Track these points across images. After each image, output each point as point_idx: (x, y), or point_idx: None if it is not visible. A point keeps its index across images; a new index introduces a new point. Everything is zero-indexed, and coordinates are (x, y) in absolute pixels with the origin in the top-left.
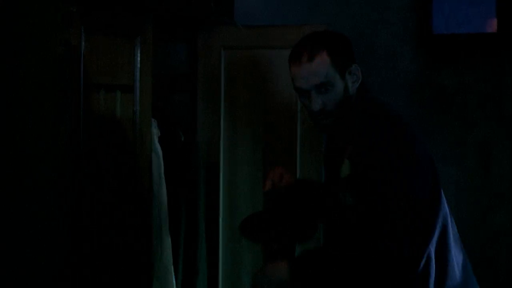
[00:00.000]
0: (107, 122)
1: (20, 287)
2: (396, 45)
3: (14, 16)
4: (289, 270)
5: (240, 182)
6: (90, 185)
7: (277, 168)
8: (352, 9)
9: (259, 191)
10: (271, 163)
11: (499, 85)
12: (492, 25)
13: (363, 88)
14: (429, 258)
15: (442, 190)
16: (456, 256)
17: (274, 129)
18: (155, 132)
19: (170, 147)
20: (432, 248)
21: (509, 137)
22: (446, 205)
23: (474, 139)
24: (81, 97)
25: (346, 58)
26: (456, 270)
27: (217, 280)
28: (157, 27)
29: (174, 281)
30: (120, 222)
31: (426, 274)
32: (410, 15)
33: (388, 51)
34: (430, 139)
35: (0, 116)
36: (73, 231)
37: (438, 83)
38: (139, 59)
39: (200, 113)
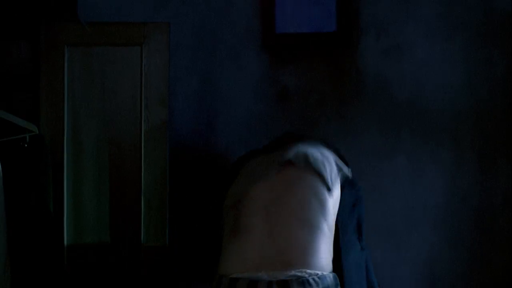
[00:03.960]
0: None
1: None
2: (240, 44)
3: None
4: None
5: (86, 180)
6: None
7: None
8: (197, 9)
9: (105, 189)
10: (117, 161)
11: (337, 83)
12: (332, 25)
13: None
14: None
15: None
16: None
17: (119, 127)
18: None
19: (15, 149)
20: None
21: (346, 136)
22: None
23: (315, 139)
24: None
25: None
26: None
27: None
28: None
29: None
30: None
31: None
32: (253, 15)
33: (233, 49)
34: (274, 137)
35: None
36: None
37: (281, 81)
38: None
39: (43, 112)
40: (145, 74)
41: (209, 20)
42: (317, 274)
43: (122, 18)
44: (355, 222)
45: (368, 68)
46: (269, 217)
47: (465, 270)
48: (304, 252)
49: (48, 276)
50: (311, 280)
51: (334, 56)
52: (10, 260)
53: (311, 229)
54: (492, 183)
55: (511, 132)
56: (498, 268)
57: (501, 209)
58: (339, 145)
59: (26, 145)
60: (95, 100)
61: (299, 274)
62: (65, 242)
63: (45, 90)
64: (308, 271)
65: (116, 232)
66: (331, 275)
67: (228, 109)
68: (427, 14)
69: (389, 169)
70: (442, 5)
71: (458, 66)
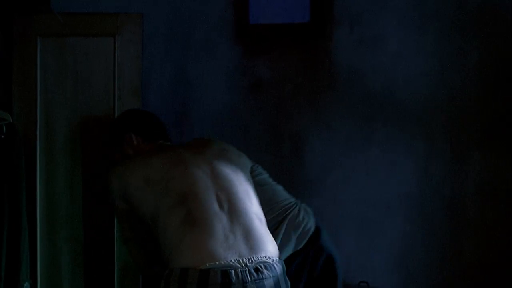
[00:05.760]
0: None
1: None
2: (214, 35)
3: None
4: None
5: (59, 172)
6: None
7: None
8: None
9: (78, 181)
10: (89, 151)
11: (310, 74)
12: (306, 16)
13: None
14: None
15: None
16: None
17: (91, 117)
18: None
19: None
20: None
21: (320, 127)
22: None
23: (289, 130)
24: None
25: None
26: None
27: (36, 272)
28: None
29: None
30: None
31: None
32: (227, 5)
33: (207, 40)
34: (248, 128)
35: None
36: None
37: (255, 72)
38: None
39: (15, 103)
40: (118, 65)
41: (182, 10)
42: (274, 259)
43: (95, 8)
44: None
45: (342, 59)
46: (224, 210)
47: (437, 258)
48: (263, 240)
49: (20, 268)
50: (274, 265)
51: (308, 47)
52: None
53: (261, 221)
54: (464, 173)
55: (483, 123)
56: (470, 256)
57: (473, 198)
58: (312, 136)
59: (3, 136)
60: (68, 91)
61: (265, 259)
62: (38, 235)
63: (17, 81)
64: (269, 256)
65: (89, 225)
66: (280, 260)
67: (201, 100)
68: (400, 4)
69: (363, 160)
70: None
71: (431, 57)
